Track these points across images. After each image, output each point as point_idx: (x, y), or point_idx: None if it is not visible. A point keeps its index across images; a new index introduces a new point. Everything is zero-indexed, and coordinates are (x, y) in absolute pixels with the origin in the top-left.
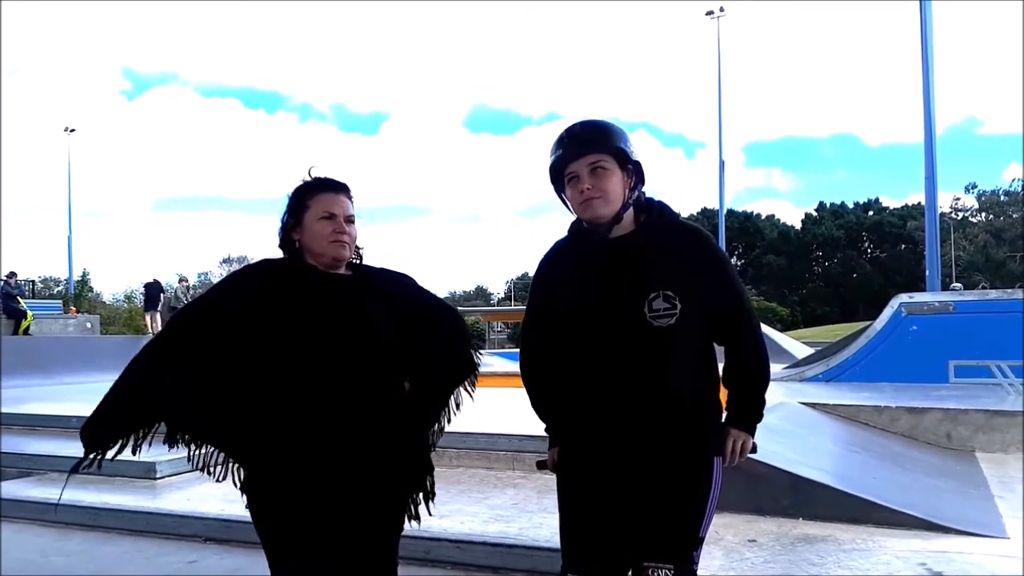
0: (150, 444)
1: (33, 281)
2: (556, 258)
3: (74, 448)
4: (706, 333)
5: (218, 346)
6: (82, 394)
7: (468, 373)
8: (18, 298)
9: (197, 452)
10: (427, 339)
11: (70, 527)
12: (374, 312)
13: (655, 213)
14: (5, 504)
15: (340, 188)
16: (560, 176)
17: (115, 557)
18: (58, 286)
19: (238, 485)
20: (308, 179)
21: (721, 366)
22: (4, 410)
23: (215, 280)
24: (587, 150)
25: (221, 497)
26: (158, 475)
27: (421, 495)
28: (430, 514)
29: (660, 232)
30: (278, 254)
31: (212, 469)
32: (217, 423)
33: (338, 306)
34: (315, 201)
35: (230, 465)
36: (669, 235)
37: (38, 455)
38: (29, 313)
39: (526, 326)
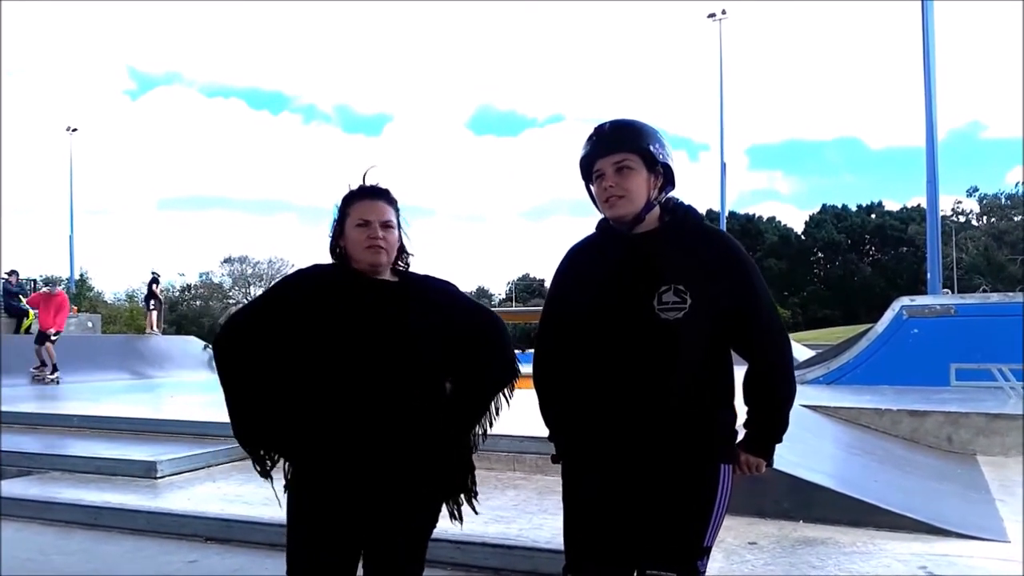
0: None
1: (34, 280)
2: (580, 253)
3: (73, 447)
4: (717, 335)
5: (268, 349)
6: (83, 393)
7: (509, 378)
8: (19, 296)
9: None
10: (469, 345)
11: (71, 526)
12: (413, 317)
13: (679, 214)
14: (6, 503)
15: (377, 195)
16: (589, 171)
17: (115, 556)
18: (59, 285)
19: (285, 481)
20: (352, 188)
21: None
22: (5, 408)
23: (216, 280)
24: (614, 149)
25: (222, 497)
26: (159, 474)
27: (463, 495)
28: (475, 512)
29: (681, 232)
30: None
31: (266, 468)
32: (284, 430)
33: (381, 312)
34: (353, 209)
35: (281, 463)
36: (690, 235)
37: (39, 454)
38: (31, 312)
39: (542, 325)
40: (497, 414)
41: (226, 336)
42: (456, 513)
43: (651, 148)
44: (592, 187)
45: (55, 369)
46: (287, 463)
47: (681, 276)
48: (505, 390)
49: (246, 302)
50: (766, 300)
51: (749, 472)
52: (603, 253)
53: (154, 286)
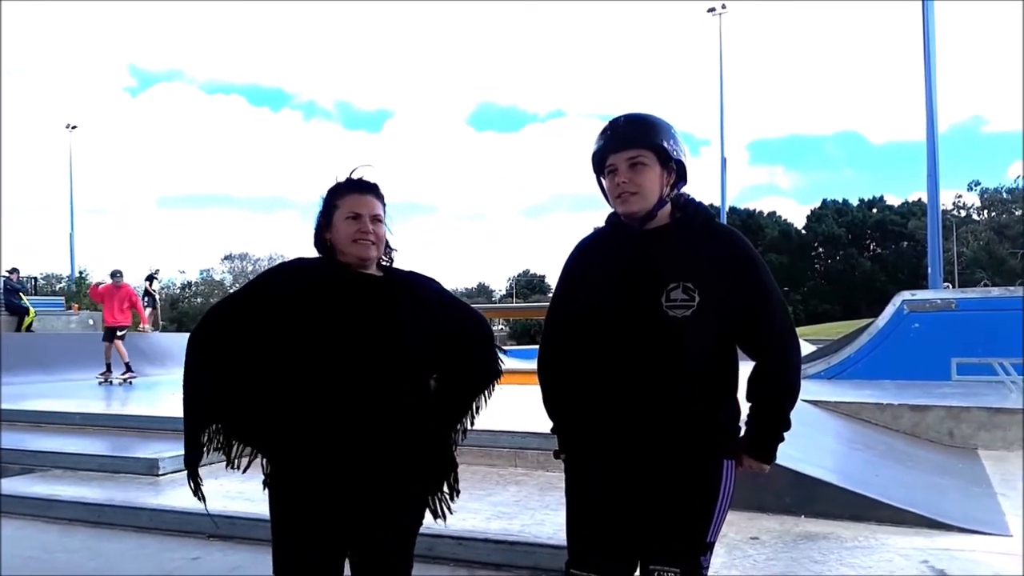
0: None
1: (35, 278)
2: (588, 248)
3: (76, 444)
4: (724, 333)
5: (249, 342)
6: (84, 390)
7: (492, 378)
8: (20, 294)
9: (233, 449)
10: (453, 343)
11: (73, 523)
12: (401, 313)
13: (690, 211)
14: (8, 500)
15: (367, 188)
16: (601, 166)
17: (118, 553)
18: (60, 283)
19: (263, 477)
20: (340, 180)
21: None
22: (6, 406)
23: (216, 277)
24: (628, 144)
25: (224, 494)
26: (161, 471)
27: (444, 493)
28: (451, 512)
29: (691, 229)
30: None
31: (238, 463)
32: (259, 423)
33: (366, 305)
34: (343, 202)
35: (258, 459)
36: (700, 233)
37: (40, 451)
38: (32, 310)
39: (549, 320)
40: (478, 412)
41: (205, 326)
42: (439, 511)
43: (665, 145)
44: (604, 181)
45: (128, 368)
46: (264, 459)
47: (690, 274)
48: (487, 390)
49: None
50: (777, 299)
51: (751, 471)
52: (612, 249)
53: (149, 284)
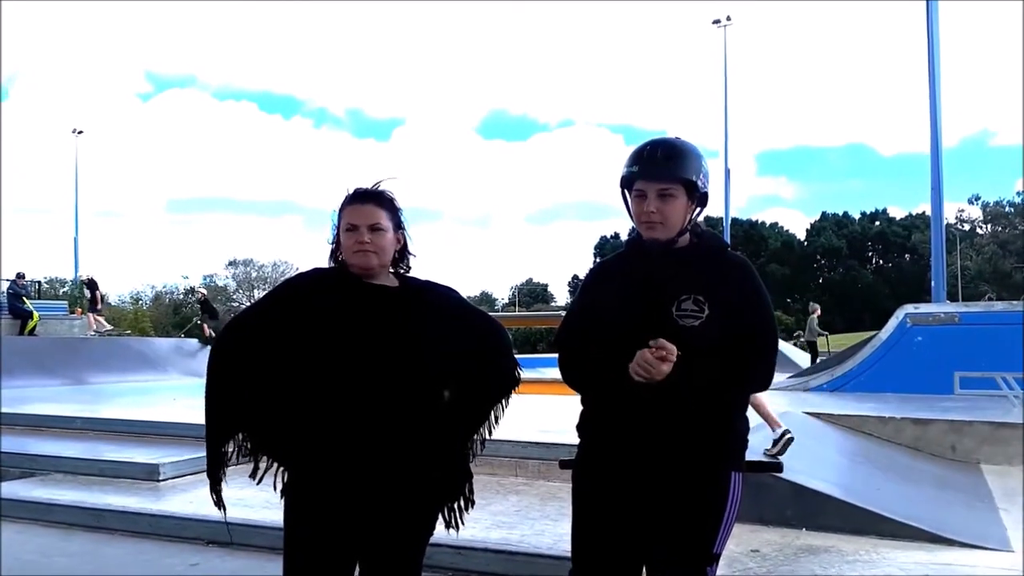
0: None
1: (39, 282)
2: (610, 265)
3: (76, 448)
4: (732, 344)
5: (269, 352)
6: (86, 395)
7: (511, 387)
8: (24, 298)
9: (252, 459)
10: (473, 353)
11: (73, 528)
12: (415, 323)
13: (706, 238)
14: (8, 504)
15: (366, 198)
16: (630, 184)
17: (117, 559)
18: (63, 287)
19: (279, 488)
20: (349, 191)
21: None
22: (7, 410)
23: (220, 282)
24: (660, 177)
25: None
26: (161, 477)
27: (459, 503)
28: (463, 523)
29: (707, 254)
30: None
31: (256, 473)
32: (277, 433)
33: (383, 317)
34: (344, 213)
35: (275, 468)
36: (715, 258)
37: (42, 455)
38: (36, 314)
39: (564, 327)
40: (496, 423)
41: (228, 336)
42: (452, 521)
43: (695, 180)
44: (629, 200)
45: None
46: (280, 468)
47: (702, 289)
48: (504, 399)
49: (249, 304)
50: (774, 325)
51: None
52: (631, 266)
53: (88, 290)
